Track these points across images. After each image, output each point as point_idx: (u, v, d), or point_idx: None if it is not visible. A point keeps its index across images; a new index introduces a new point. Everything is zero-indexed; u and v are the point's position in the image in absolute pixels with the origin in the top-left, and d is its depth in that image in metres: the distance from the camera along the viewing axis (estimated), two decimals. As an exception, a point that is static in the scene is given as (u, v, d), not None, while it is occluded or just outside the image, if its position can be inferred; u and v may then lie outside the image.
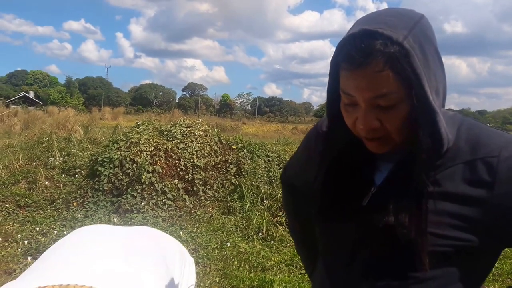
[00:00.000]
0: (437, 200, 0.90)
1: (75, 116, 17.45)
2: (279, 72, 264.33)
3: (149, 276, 1.36)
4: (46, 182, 7.05)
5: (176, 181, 6.48)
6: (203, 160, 6.98)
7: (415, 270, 0.92)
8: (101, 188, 6.17)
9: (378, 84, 0.85)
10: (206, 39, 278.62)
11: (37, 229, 5.13)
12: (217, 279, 4.09)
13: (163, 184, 6.26)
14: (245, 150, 7.83)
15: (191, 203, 6.36)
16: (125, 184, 6.17)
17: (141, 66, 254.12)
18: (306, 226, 1.37)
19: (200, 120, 8.81)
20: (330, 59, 0.94)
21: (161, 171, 6.37)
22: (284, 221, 5.42)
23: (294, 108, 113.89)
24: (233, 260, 4.51)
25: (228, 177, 7.02)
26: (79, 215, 5.74)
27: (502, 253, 4.64)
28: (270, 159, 7.90)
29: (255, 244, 5.01)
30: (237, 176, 7.05)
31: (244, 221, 5.68)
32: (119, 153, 6.51)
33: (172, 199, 6.19)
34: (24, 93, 71.32)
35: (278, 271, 4.32)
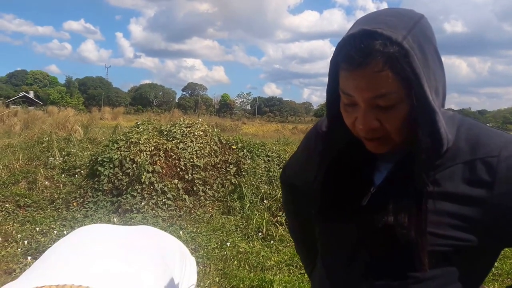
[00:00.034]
0: (437, 200, 0.90)
1: (75, 116, 17.42)
2: (279, 72, 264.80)
3: (149, 276, 1.36)
4: (46, 182, 7.05)
5: (176, 181, 6.48)
6: (203, 160, 6.98)
7: (415, 270, 0.92)
8: (101, 188, 6.16)
9: (378, 84, 0.85)
10: (206, 39, 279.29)
11: (37, 229, 5.13)
12: (217, 279, 4.09)
13: (163, 184, 6.26)
14: (245, 150, 7.83)
15: (191, 203, 6.36)
16: (125, 184, 6.17)
17: (141, 66, 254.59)
18: (306, 226, 1.37)
19: (200, 120, 8.81)
20: (330, 59, 0.95)
21: (161, 171, 6.37)
22: (284, 221, 5.42)
23: (294, 108, 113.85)
24: (232, 260, 4.51)
25: (228, 177, 7.02)
26: (79, 215, 5.73)
27: (502, 253, 4.64)
28: (270, 159, 7.90)
29: (255, 244, 5.01)
30: (237, 176, 7.05)
31: (244, 221, 5.68)
32: (119, 153, 6.51)
33: (172, 199, 6.19)
34: (24, 93, 71.26)
35: (278, 271, 4.32)
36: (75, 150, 9.20)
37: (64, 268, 1.27)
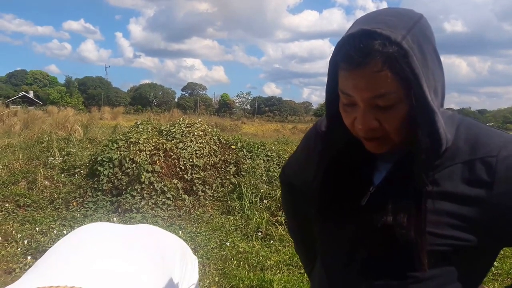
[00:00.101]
0: (436, 199, 0.90)
1: (75, 116, 17.44)
2: (279, 71, 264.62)
3: (149, 276, 1.36)
4: (46, 182, 7.05)
5: (175, 181, 6.48)
6: (203, 160, 6.98)
7: (414, 269, 0.92)
8: (100, 188, 6.16)
9: (377, 84, 0.85)
10: (206, 38, 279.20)
11: (37, 228, 5.13)
12: (216, 278, 4.09)
13: (163, 183, 6.26)
14: (244, 150, 7.83)
15: (190, 202, 6.36)
16: (124, 183, 6.17)
17: (140, 66, 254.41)
18: (305, 226, 1.37)
19: (200, 119, 8.81)
20: (329, 58, 0.95)
21: (160, 170, 6.37)
22: (283, 221, 5.42)
23: (294, 107, 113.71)
24: (232, 259, 4.51)
25: (228, 177, 7.02)
26: (78, 214, 5.73)
27: (502, 253, 4.64)
28: (269, 158, 7.90)
29: (255, 243, 5.01)
30: (236, 176, 7.05)
31: (244, 221, 5.68)
32: (118, 152, 6.51)
33: (171, 199, 6.19)
34: (24, 93, 71.20)
35: (278, 271, 4.32)
36: (74, 150, 9.21)
37: (64, 268, 1.27)
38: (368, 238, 0.97)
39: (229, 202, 6.33)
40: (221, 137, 7.94)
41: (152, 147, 6.65)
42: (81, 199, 6.13)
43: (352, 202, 1.01)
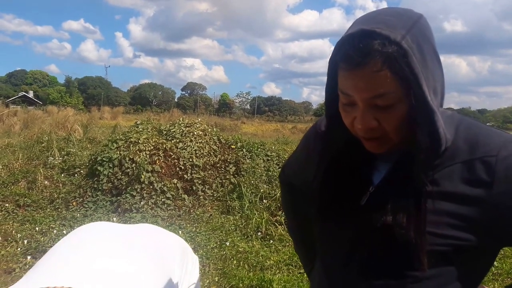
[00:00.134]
0: (436, 199, 0.90)
1: (75, 116, 17.41)
2: (278, 71, 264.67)
3: (148, 276, 1.36)
4: (46, 182, 7.04)
5: (175, 181, 6.48)
6: (202, 160, 6.98)
7: (414, 269, 0.92)
8: (100, 188, 6.16)
9: (376, 84, 0.85)
10: (205, 38, 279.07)
11: (37, 228, 5.13)
12: (216, 278, 4.09)
13: (162, 183, 6.26)
14: (244, 150, 7.83)
15: (190, 202, 6.36)
16: (124, 183, 6.17)
17: (140, 66, 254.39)
18: (305, 226, 1.37)
19: (199, 119, 8.81)
20: (329, 58, 0.95)
21: (160, 170, 6.37)
22: (283, 221, 5.42)
23: (293, 107, 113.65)
24: (232, 259, 4.51)
25: (227, 177, 7.02)
26: (78, 214, 5.73)
27: (502, 252, 4.64)
28: (269, 158, 7.90)
29: (254, 243, 5.01)
30: (236, 176, 7.05)
31: (243, 221, 5.68)
32: (118, 152, 6.51)
33: (171, 199, 6.19)
34: (24, 93, 71.21)
35: (277, 271, 4.32)
36: (74, 150, 9.20)
37: (64, 268, 1.27)
38: (367, 238, 0.97)
39: (228, 202, 6.33)
40: (220, 137, 7.94)
41: (152, 147, 6.65)
42: (81, 199, 6.13)
43: (352, 202, 1.01)
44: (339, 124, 0.98)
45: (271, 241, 5.10)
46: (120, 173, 6.26)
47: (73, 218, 5.56)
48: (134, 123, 8.45)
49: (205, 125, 8.13)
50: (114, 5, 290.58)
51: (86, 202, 6.04)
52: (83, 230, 1.62)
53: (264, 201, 6.08)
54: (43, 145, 9.37)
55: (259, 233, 5.26)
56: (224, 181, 6.96)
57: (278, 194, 5.87)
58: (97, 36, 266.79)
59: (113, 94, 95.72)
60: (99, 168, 6.32)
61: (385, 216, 0.93)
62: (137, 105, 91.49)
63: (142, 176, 6.07)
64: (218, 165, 7.19)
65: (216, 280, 4.05)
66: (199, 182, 6.69)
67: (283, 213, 5.00)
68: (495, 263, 4.29)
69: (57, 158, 8.39)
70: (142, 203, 5.93)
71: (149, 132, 7.34)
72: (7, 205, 5.92)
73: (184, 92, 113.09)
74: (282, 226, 5.35)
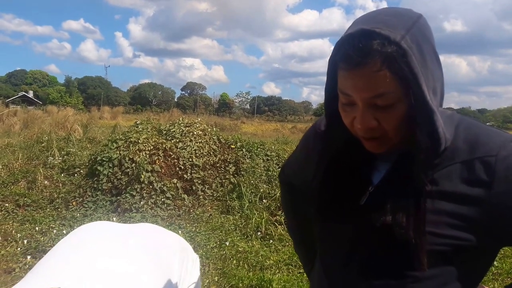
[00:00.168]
0: (435, 199, 0.90)
1: (74, 116, 17.41)
2: (278, 71, 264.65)
3: (148, 276, 1.36)
4: (46, 182, 7.04)
5: (175, 180, 6.48)
6: (202, 159, 6.98)
7: (413, 269, 0.92)
8: (100, 188, 6.16)
9: (376, 84, 0.85)
10: (205, 38, 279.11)
11: (37, 228, 5.13)
12: (216, 278, 4.09)
13: (162, 183, 6.26)
14: (244, 149, 7.83)
15: (190, 202, 6.36)
16: (124, 183, 6.17)
17: (140, 66, 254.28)
18: (304, 225, 1.37)
19: (199, 119, 8.81)
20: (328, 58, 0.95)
21: (160, 170, 6.37)
22: (283, 220, 5.42)
23: (293, 107, 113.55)
24: (232, 259, 4.51)
25: (227, 176, 7.02)
26: (78, 214, 5.73)
27: (502, 252, 4.63)
28: (269, 158, 7.90)
29: (254, 243, 5.01)
30: (236, 175, 7.05)
31: (243, 220, 5.68)
32: (118, 152, 6.51)
33: (171, 198, 6.19)
34: (24, 93, 71.16)
35: (277, 270, 4.32)
36: (74, 150, 9.20)
37: (64, 269, 1.27)
38: (367, 237, 0.97)
39: (228, 201, 6.33)
40: (220, 137, 7.94)
41: (152, 147, 6.65)
42: (81, 199, 6.13)
43: (352, 201, 1.01)
44: (339, 124, 0.98)
45: (271, 241, 5.10)
46: (120, 173, 6.26)
47: (73, 218, 5.57)
48: (134, 123, 8.45)
49: (204, 125, 8.13)
50: (114, 5, 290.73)
51: (86, 202, 6.04)
52: (83, 230, 1.63)
53: (263, 200, 6.08)
54: (43, 145, 9.37)
55: (259, 233, 5.26)
56: (223, 181, 6.96)
57: (278, 194, 5.87)
58: (97, 36, 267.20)
59: (113, 94, 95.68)
60: (99, 168, 6.32)
61: (385, 216, 0.93)
62: (137, 105, 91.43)
63: (142, 176, 6.07)
64: (217, 165, 7.19)
65: (216, 280, 4.05)
66: (199, 182, 6.69)
67: (283, 213, 5.00)
68: (495, 262, 4.30)
69: (57, 158, 8.39)
70: (142, 203, 5.93)
71: (148, 132, 7.34)
72: (7, 205, 5.93)
73: (183, 92, 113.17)
74: (282, 226, 5.35)
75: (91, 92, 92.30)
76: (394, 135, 0.91)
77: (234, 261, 4.46)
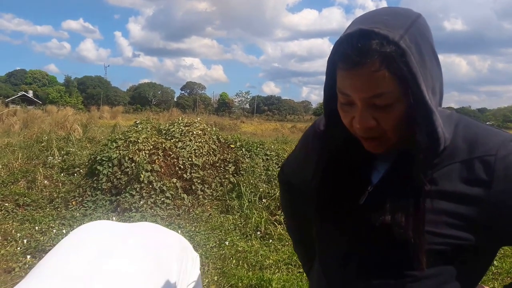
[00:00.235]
0: (434, 198, 0.90)
1: (74, 115, 17.44)
2: (278, 70, 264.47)
3: (148, 276, 1.36)
4: (45, 181, 7.04)
5: (174, 180, 6.48)
6: (202, 159, 6.98)
7: (412, 268, 0.92)
8: (100, 187, 6.16)
9: (374, 84, 0.85)
10: (205, 37, 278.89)
11: (36, 228, 5.13)
12: (215, 277, 4.09)
13: (162, 183, 6.26)
14: (243, 149, 7.84)
15: (189, 202, 6.36)
16: (123, 183, 6.17)
17: (139, 65, 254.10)
18: (304, 225, 1.37)
19: (199, 119, 8.81)
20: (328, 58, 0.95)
21: (159, 170, 6.37)
22: (282, 220, 5.42)
23: (293, 106, 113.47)
24: (231, 258, 4.51)
25: (227, 176, 7.02)
26: (78, 214, 5.74)
27: (502, 252, 4.63)
28: (268, 157, 7.90)
29: (254, 242, 5.01)
30: (235, 175, 7.05)
31: (243, 220, 5.68)
32: (117, 152, 6.51)
33: (170, 198, 6.19)
34: (23, 92, 71.12)
35: (277, 270, 4.32)
36: (74, 149, 9.20)
37: (64, 269, 1.27)
38: (366, 237, 0.97)
39: (228, 201, 6.33)
40: (220, 136, 7.94)
41: (151, 146, 6.65)
42: (81, 198, 6.13)
43: (351, 201, 1.01)
44: (338, 124, 0.98)
45: (270, 241, 5.10)
46: (120, 173, 6.26)
47: (73, 218, 5.57)
48: (133, 123, 8.46)
49: (204, 125, 8.13)
50: (114, 5, 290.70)
51: (86, 201, 6.04)
52: (83, 229, 1.63)
53: (263, 200, 6.08)
54: (42, 144, 9.37)
55: (258, 233, 5.26)
56: (223, 180, 6.96)
57: (277, 194, 5.87)
58: (96, 35, 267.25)
59: (113, 94, 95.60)
60: (98, 167, 6.32)
61: (384, 215, 0.93)
62: (136, 104, 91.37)
63: (142, 176, 6.07)
64: (217, 164, 7.19)
65: (216, 280, 4.05)
66: (199, 181, 6.69)
67: (282, 213, 5.01)
68: (494, 262, 4.30)
69: (56, 157, 8.39)
70: (141, 202, 5.93)
71: (148, 131, 7.35)
72: (6, 204, 5.92)
73: (183, 92, 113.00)
74: (281, 225, 5.36)
75: (90, 92, 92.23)
76: (393, 135, 0.91)
77: (234, 261, 4.46)
